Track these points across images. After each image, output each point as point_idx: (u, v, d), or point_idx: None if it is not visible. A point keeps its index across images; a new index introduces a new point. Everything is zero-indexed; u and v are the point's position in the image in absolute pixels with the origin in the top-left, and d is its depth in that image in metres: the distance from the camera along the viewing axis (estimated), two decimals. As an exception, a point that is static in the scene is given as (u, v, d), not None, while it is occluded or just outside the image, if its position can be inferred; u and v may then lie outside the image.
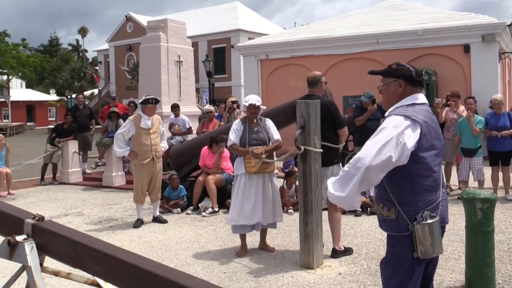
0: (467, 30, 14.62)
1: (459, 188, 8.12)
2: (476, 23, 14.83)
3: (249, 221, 5.49)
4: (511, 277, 4.61)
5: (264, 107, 5.92)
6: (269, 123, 5.80)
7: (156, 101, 7.41)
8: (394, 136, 2.54)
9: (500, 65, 15.07)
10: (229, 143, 5.71)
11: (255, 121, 5.70)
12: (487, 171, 8.44)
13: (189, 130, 10.86)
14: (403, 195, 2.65)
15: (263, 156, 5.41)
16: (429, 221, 2.58)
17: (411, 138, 2.57)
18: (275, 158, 5.79)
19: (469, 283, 4.28)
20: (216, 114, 11.07)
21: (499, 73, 14.65)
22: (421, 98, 2.78)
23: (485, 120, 8.35)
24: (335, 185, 2.66)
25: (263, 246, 5.77)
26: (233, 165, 6.46)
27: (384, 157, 2.51)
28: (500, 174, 8.41)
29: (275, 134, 5.72)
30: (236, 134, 5.62)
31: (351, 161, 2.63)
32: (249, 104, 5.58)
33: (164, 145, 7.63)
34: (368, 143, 2.61)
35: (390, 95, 2.84)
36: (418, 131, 2.59)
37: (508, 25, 14.77)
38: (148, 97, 7.33)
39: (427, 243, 2.58)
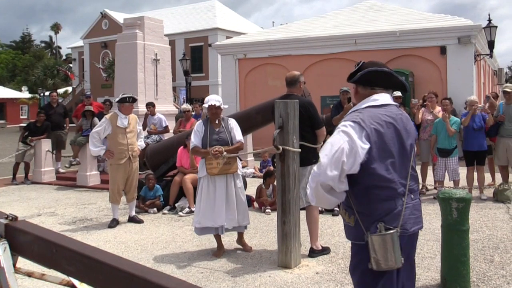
0: (443, 32, 14.87)
1: (435, 188, 8.24)
2: (452, 25, 15.10)
3: (213, 223, 5.40)
4: (485, 275, 4.70)
5: (226, 107, 5.82)
6: (232, 123, 5.69)
7: (134, 100, 7.31)
8: (345, 142, 2.42)
9: (476, 67, 15.37)
10: (190, 146, 5.61)
11: (217, 121, 5.58)
12: (463, 171, 8.59)
13: (166, 129, 10.76)
14: (360, 203, 2.54)
15: (224, 154, 5.28)
16: (383, 232, 2.44)
17: (364, 145, 2.42)
18: (238, 159, 5.70)
19: (445, 281, 4.34)
20: (193, 113, 11.00)
21: (474, 75, 14.95)
22: (379, 99, 2.60)
23: (461, 121, 8.51)
24: (309, 192, 2.59)
25: (242, 245, 5.72)
26: None
27: (337, 166, 2.40)
28: (475, 174, 8.58)
29: (238, 135, 5.62)
30: (198, 135, 5.51)
31: (311, 173, 2.55)
32: (210, 105, 5.46)
33: (141, 144, 7.53)
34: (320, 155, 2.50)
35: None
36: (367, 140, 2.43)
37: (483, 28, 15.08)
38: (125, 95, 7.21)
39: (379, 255, 2.43)
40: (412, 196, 2.57)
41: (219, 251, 5.57)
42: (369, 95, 2.64)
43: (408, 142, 2.59)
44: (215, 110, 5.52)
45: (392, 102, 2.64)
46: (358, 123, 2.46)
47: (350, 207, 2.58)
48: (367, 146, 2.42)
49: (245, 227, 5.71)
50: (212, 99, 5.54)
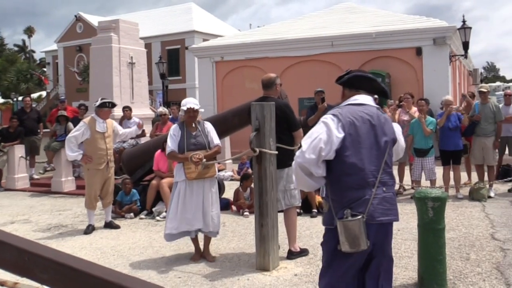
0: (419, 34, 15.07)
1: (412, 188, 8.34)
2: (427, 26, 15.32)
3: (190, 227, 5.33)
4: (461, 272, 4.76)
5: (202, 110, 5.79)
6: (209, 126, 5.64)
7: (113, 105, 7.22)
8: (323, 132, 2.78)
9: (451, 68, 15.62)
10: (167, 151, 5.46)
11: (193, 125, 5.52)
12: (439, 170, 8.72)
13: (142, 133, 10.64)
14: (332, 191, 2.88)
15: (204, 160, 5.23)
16: (349, 218, 2.71)
17: (339, 134, 2.77)
18: (219, 164, 5.68)
19: (422, 280, 4.38)
20: (170, 116, 10.91)
21: (449, 75, 15.19)
22: (359, 99, 2.97)
23: (436, 121, 8.64)
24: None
25: (206, 254, 5.53)
26: None
27: (315, 151, 2.75)
28: (451, 173, 8.71)
29: (215, 139, 5.57)
30: (174, 140, 5.40)
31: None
32: (188, 108, 5.38)
33: (123, 131, 7.48)
34: (302, 141, 2.85)
35: (340, 99, 3.12)
36: (342, 130, 2.78)
37: (458, 29, 15.36)
38: (104, 100, 7.11)
39: (345, 238, 2.72)
40: (384, 188, 2.82)
41: (196, 255, 5.51)
42: (352, 95, 3.02)
43: (383, 139, 2.87)
44: (193, 113, 5.46)
45: (372, 104, 2.98)
46: (336, 116, 2.84)
47: (327, 196, 2.94)
48: (341, 135, 2.77)
49: (216, 233, 5.60)
50: (190, 102, 5.47)
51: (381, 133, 2.87)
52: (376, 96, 3.48)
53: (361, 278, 2.92)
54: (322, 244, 3.01)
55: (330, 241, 2.88)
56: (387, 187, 2.84)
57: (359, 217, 2.70)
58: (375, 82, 3.06)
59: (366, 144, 2.81)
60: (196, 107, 5.44)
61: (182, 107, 5.50)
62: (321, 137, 2.76)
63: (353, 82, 3.04)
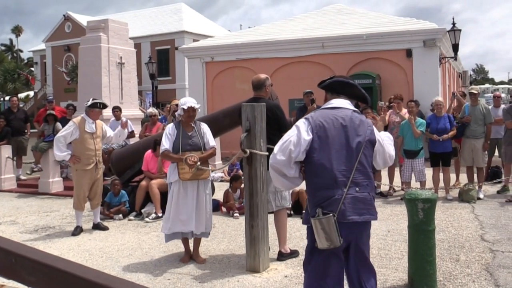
0: (409, 35, 15.15)
1: (402, 189, 8.37)
2: (418, 28, 15.40)
3: (184, 228, 5.30)
4: (451, 274, 4.76)
5: (199, 111, 5.75)
6: (205, 127, 5.58)
7: (104, 106, 7.15)
8: (294, 135, 2.96)
9: (441, 69, 15.72)
10: (161, 150, 5.37)
11: (190, 125, 5.45)
12: (429, 172, 8.75)
13: (131, 134, 10.57)
14: (308, 191, 3.06)
15: (198, 163, 5.18)
16: (321, 216, 2.84)
17: (307, 136, 2.94)
18: (210, 165, 5.62)
19: (412, 281, 4.38)
20: (160, 116, 10.85)
21: (439, 77, 15.28)
22: (334, 102, 3.13)
23: (427, 123, 8.66)
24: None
25: (195, 256, 5.48)
26: None
27: (284, 153, 2.94)
28: (441, 174, 8.75)
29: (211, 141, 5.51)
30: (170, 139, 5.32)
31: None
32: (188, 107, 5.32)
33: (110, 133, 7.34)
34: (277, 144, 3.04)
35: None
36: (310, 131, 2.95)
37: (448, 31, 15.47)
38: (96, 101, 7.03)
39: (319, 235, 2.86)
40: (357, 188, 2.91)
41: (186, 257, 5.47)
42: (331, 99, 3.18)
43: (356, 140, 2.95)
44: (192, 113, 5.41)
45: (348, 107, 3.10)
46: (308, 119, 3.02)
47: (307, 195, 3.11)
48: (309, 137, 2.93)
49: (208, 234, 5.58)
50: (191, 101, 5.41)
51: (354, 134, 2.96)
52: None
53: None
54: (307, 247, 3.12)
55: (308, 239, 3.04)
56: (361, 187, 2.92)
57: (330, 215, 2.82)
58: (355, 88, 3.18)
59: (336, 145, 2.93)
60: (196, 106, 5.40)
61: (182, 106, 5.40)
62: (291, 139, 2.95)
63: (335, 87, 3.18)
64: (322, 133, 2.93)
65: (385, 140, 3.20)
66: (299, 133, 2.94)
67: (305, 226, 3.13)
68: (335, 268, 2.98)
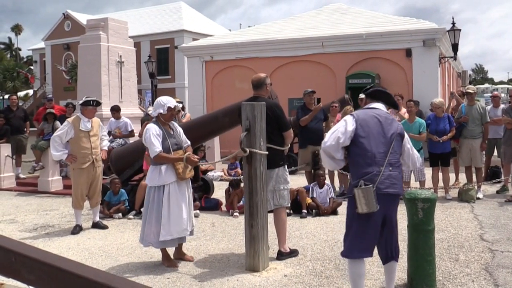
0: (409, 35, 15.14)
1: (401, 189, 8.33)
2: (417, 28, 15.39)
3: (186, 232, 5.21)
4: (450, 273, 4.77)
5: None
6: (177, 126, 5.55)
7: (98, 104, 7.13)
8: (342, 126, 3.80)
9: (440, 69, 15.72)
10: (154, 152, 5.04)
11: (168, 124, 5.34)
12: (428, 171, 8.75)
13: (131, 133, 10.57)
14: (351, 167, 3.84)
15: (199, 161, 5.17)
16: (363, 186, 3.57)
17: (351, 127, 3.77)
18: (210, 165, 5.62)
19: (411, 281, 4.38)
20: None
21: (439, 77, 15.28)
22: (373, 105, 4.05)
23: (426, 123, 8.63)
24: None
25: (182, 255, 5.42)
26: None
27: (334, 140, 3.74)
28: (440, 174, 8.74)
29: (187, 139, 5.49)
30: (159, 140, 5.08)
31: None
32: (174, 106, 5.25)
33: (105, 143, 7.34)
34: (328, 133, 3.88)
35: (362, 104, 4.00)
36: (355, 123, 3.78)
37: (448, 31, 15.46)
38: (89, 98, 7.02)
39: (361, 202, 3.56)
40: (390, 168, 3.69)
41: (172, 261, 5.31)
42: (370, 103, 4.07)
43: (389, 132, 3.78)
44: (175, 112, 5.38)
45: (383, 109, 4.00)
46: (353, 115, 3.91)
47: (350, 173, 4.01)
48: (353, 127, 3.76)
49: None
50: (173, 101, 5.33)
51: (387, 127, 3.79)
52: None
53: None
54: (346, 211, 3.89)
55: (350, 207, 3.74)
56: (394, 167, 3.72)
57: (370, 185, 3.56)
58: (390, 96, 4.13)
59: (375, 133, 3.74)
60: (179, 106, 5.37)
61: (166, 105, 5.21)
62: (340, 129, 3.78)
63: (375, 94, 4.11)
64: (364, 124, 3.76)
65: (411, 144, 4.03)
66: (346, 125, 3.76)
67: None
68: (371, 232, 3.68)
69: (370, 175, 3.62)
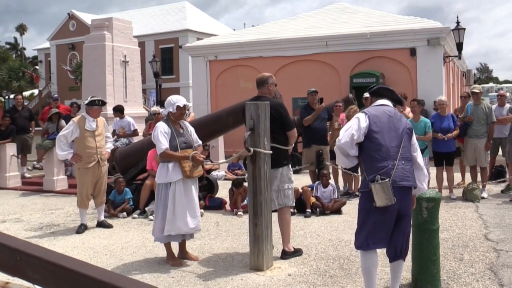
0: (413, 34, 15.10)
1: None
2: (422, 27, 15.34)
3: (192, 229, 5.27)
4: (455, 273, 4.76)
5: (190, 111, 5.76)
6: (189, 125, 5.58)
7: (103, 103, 7.15)
8: (355, 123, 3.89)
9: (445, 68, 15.66)
10: (161, 149, 5.15)
11: (178, 123, 5.41)
12: (432, 171, 8.73)
13: (135, 132, 10.60)
14: (365, 162, 3.88)
15: (205, 161, 5.26)
16: (380, 181, 3.67)
17: (364, 123, 3.86)
18: (214, 164, 5.64)
19: (416, 280, 4.37)
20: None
21: (443, 76, 15.23)
22: (380, 101, 4.16)
23: (430, 122, 8.61)
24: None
25: (186, 254, 5.46)
26: None
27: (348, 137, 3.83)
28: (445, 174, 8.72)
29: (198, 139, 5.54)
30: (166, 138, 5.18)
31: None
32: (184, 105, 5.31)
33: (109, 146, 7.38)
34: (341, 130, 3.98)
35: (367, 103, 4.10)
36: (368, 119, 3.87)
37: (452, 30, 15.40)
38: (94, 98, 7.05)
39: (379, 196, 3.66)
40: (403, 161, 3.81)
41: (177, 260, 5.35)
42: (376, 100, 4.18)
43: (401, 127, 3.91)
44: (184, 111, 5.41)
45: (391, 105, 4.10)
46: (364, 112, 4.00)
47: (362, 167, 3.92)
48: (366, 123, 3.86)
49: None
50: (183, 100, 5.39)
51: (398, 123, 3.91)
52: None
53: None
54: (359, 206, 3.96)
55: (366, 201, 3.82)
56: (406, 160, 3.83)
57: (386, 180, 3.67)
58: (394, 93, 4.21)
59: (387, 128, 3.85)
60: (190, 105, 5.41)
61: (175, 104, 5.30)
62: (353, 127, 3.87)
63: (380, 92, 4.22)
64: (377, 120, 3.86)
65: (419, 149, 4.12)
66: (359, 122, 3.86)
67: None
68: (387, 224, 3.77)
69: (385, 169, 3.73)
